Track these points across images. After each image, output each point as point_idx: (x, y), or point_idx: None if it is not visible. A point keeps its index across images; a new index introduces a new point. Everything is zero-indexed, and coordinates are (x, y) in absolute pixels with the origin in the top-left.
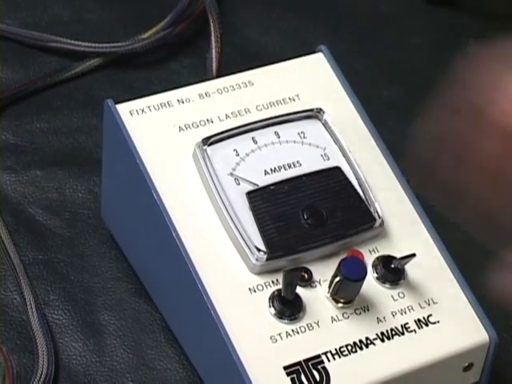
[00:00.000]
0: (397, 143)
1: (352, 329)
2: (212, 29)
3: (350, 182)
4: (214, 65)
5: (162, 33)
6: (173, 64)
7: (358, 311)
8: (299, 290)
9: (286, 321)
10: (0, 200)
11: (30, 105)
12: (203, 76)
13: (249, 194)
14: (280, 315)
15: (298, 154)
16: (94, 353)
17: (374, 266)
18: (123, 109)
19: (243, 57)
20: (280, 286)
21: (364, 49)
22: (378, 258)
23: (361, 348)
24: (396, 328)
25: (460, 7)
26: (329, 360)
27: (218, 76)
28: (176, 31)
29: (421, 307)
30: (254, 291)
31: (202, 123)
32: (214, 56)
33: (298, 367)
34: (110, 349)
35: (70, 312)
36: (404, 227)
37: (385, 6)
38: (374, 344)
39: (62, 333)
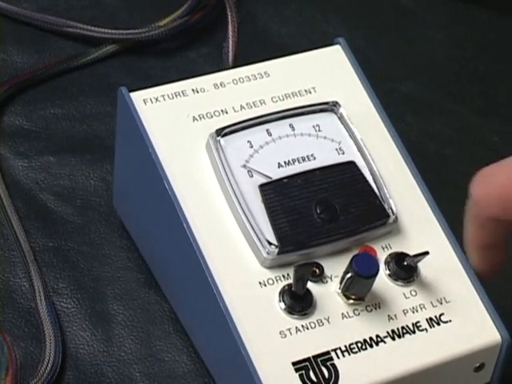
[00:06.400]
0: (413, 139)
1: (362, 326)
2: (229, 18)
3: (364, 177)
4: (231, 54)
5: (180, 20)
6: (189, 52)
7: (369, 308)
8: (310, 285)
9: (295, 316)
10: (11, 185)
11: (44, 90)
12: (220, 65)
13: (261, 186)
14: (290, 310)
15: (312, 147)
16: (101, 342)
17: (387, 262)
18: (137, 97)
19: (260, 46)
20: (291, 281)
21: (383, 42)
22: (390, 255)
23: (371, 346)
24: (407, 326)
25: (481, 1)
26: (338, 357)
27: (234, 66)
28: (193, 19)
29: (433, 306)
30: (265, 285)
31: (217, 114)
32: (230, 45)
33: (307, 363)
34: (118, 339)
35: (79, 300)
36: (418, 224)
37: None
38: (385, 342)
39: (70, 321)
